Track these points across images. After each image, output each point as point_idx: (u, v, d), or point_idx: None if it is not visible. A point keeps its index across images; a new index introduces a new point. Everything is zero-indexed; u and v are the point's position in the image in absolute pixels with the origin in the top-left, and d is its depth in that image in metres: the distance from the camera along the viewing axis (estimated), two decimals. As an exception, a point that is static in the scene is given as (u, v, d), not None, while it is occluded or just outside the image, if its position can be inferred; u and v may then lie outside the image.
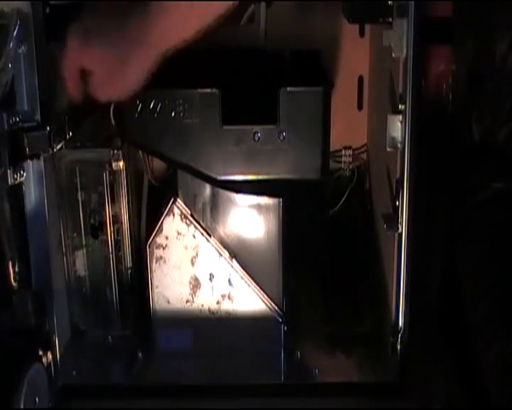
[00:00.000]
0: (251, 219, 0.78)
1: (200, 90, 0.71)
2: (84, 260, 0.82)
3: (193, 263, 0.79)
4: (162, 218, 0.78)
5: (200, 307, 0.80)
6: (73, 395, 0.77)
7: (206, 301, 0.80)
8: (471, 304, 0.76)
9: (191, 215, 0.78)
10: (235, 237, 0.79)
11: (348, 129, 0.96)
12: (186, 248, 0.79)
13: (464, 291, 0.79)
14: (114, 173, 0.80)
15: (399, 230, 0.73)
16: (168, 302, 0.80)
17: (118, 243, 0.82)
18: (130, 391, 0.77)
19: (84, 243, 0.81)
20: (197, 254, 0.79)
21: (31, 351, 0.72)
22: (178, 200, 0.78)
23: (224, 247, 0.79)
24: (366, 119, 0.98)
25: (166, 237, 0.78)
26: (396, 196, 0.73)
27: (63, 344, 0.79)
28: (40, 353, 0.73)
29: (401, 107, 0.71)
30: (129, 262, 0.83)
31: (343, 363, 0.80)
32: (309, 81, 0.72)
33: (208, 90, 0.71)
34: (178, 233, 0.78)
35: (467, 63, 0.90)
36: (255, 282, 0.79)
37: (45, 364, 0.73)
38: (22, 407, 0.66)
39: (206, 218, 0.78)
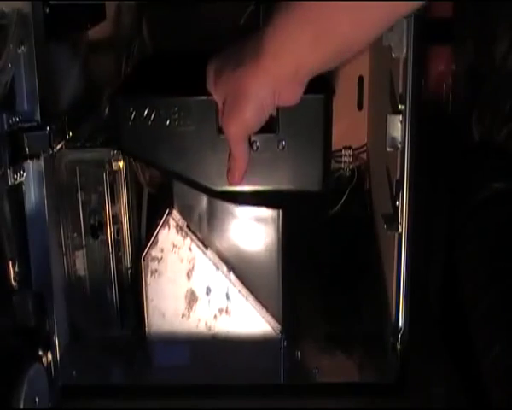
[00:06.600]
0: (249, 230, 0.76)
1: (196, 98, 0.68)
2: (84, 260, 0.82)
3: (189, 276, 0.77)
4: (157, 230, 0.76)
5: (196, 321, 0.78)
6: (73, 395, 0.76)
7: (203, 315, 0.77)
8: (471, 304, 0.76)
9: (187, 227, 0.76)
10: (233, 249, 0.76)
11: (348, 129, 0.96)
12: (182, 260, 0.76)
13: (464, 291, 0.79)
14: (114, 173, 0.80)
15: (399, 230, 0.73)
16: (163, 316, 0.78)
17: (118, 243, 0.82)
18: (130, 391, 0.77)
19: (84, 243, 0.81)
20: (193, 267, 0.76)
21: (31, 351, 0.72)
22: (174, 211, 0.75)
23: (222, 260, 0.76)
24: (366, 119, 0.98)
25: (162, 250, 0.76)
26: (396, 196, 0.73)
27: (63, 344, 0.79)
28: (40, 353, 0.73)
29: (401, 107, 0.71)
30: (129, 262, 0.83)
31: (343, 363, 0.80)
32: (309, 88, 0.70)
33: (204, 98, 0.67)
34: (174, 245, 0.76)
35: (467, 63, 0.91)
36: (254, 296, 0.77)
37: (45, 364, 0.73)
38: (22, 407, 0.66)
39: (202, 230, 0.76)
